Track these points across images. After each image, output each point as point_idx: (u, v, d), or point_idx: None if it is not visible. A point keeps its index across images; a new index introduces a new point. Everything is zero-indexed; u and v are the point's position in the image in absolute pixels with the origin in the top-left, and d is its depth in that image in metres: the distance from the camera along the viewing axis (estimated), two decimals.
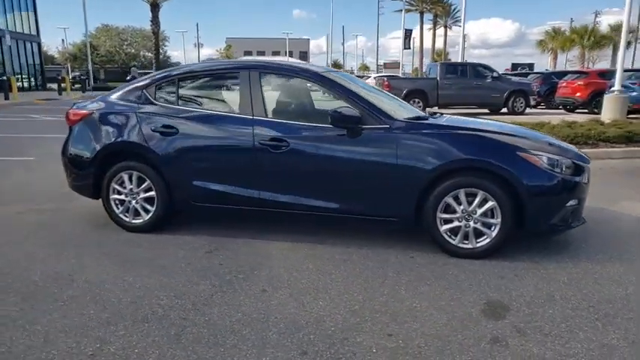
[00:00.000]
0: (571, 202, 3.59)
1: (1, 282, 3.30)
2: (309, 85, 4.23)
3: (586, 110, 18.08)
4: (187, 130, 4.10)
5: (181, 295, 3.12)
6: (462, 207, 3.59)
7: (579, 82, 18.74)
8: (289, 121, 4.01)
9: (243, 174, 4.01)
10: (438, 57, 61.53)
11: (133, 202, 4.29)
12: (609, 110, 13.45)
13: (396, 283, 3.25)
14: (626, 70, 15.72)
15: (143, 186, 4.24)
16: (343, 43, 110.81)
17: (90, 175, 4.34)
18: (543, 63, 58.17)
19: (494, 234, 3.57)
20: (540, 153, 3.58)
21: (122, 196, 4.31)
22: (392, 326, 2.69)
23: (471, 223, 3.60)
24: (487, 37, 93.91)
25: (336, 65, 74.43)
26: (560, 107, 19.63)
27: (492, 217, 3.56)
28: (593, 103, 18.06)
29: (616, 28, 46.88)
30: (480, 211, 3.57)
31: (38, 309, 2.92)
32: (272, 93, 4.21)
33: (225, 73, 4.50)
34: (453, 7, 58.20)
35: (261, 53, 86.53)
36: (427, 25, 59.41)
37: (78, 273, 3.45)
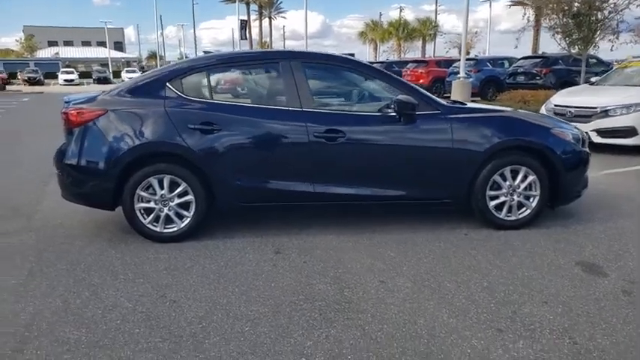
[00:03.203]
0: (587, 171, 4.31)
1: (109, 325, 2.78)
2: (352, 74, 4.24)
3: None
4: (231, 126, 3.82)
5: (312, 297, 3.01)
6: (507, 183, 4.05)
7: (421, 70, 21.14)
8: (340, 111, 4.03)
9: (296, 168, 3.91)
10: (263, 47, 62.75)
11: (165, 209, 3.86)
12: (458, 93, 15.55)
13: (487, 259, 3.56)
14: (468, 59, 18.33)
15: (177, 190, 3.84)
16: (162, 33, 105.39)
17: (109, 183, 3.77)
18: (359, 52, 63.38)
19: (533, 205, 4.11)
20: (564, 129, 4.22)
21: (150, 204, 3.84)
22: (536, 295, 2.99)
23: (515, 197, 4.09)
24: (296, 29, 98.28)
25: (155, 56, 70.53)
26: None
27: (531, 190, 4.10)
28: (434, 88, 20.59)
29: (423, 22, 53.37)
30: (522, 186, 4.07)
31: (184, 341, 2.57)
32: (316, 83, 4.14)
33: (260, 63, 4.27)
34: None
35: (69, 43, 77.25)
36: (252, 16, 60.04)
37: (170, 294, 3.06)
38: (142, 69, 53.79)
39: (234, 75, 4.29)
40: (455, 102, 4.54)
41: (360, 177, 3.97)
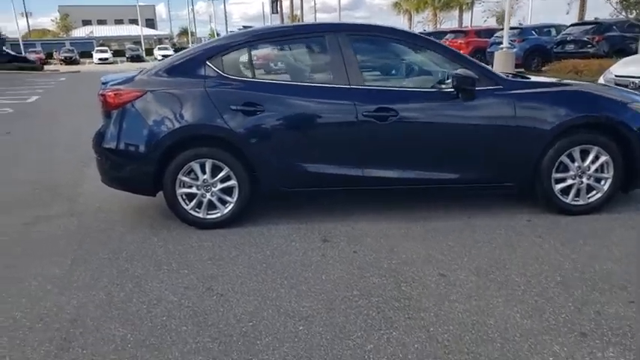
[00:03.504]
0: None
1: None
2: (403, 47, 3.92)
3: None
4: (275, 107, 3.59)
5: (367, 292, 2.78)
6: (575, 164, 3.69)
7: (461, 41, 20.35)
8: (392, 87, 3.74)
9: (343, 151, 3.66)
10: (294, 20, 61.76)
11: (207, 194, 3.68)
12: (500, 64, 14.81)
13: (556, 249, 3.24)
14: (512, 28, 17.46)
15: (220, 175, 3.65)
16: (193, 9, 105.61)
17: (149, 168, 3.60)
18: (392, 24, 61.35)
19: (605, 188, 3.73)
20: None
21: (192, 190, 3.67)
22: (620, 293, 2.64)
23: (584, 180, 3.73)
24: (326, 1, 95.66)
25: (186, 33, 70.46)
26: None
27: (603, 171, 3.72)
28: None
29: None
30: (593, 167, 3.69)
31: (234, 341, 2.40)
32: (365, 57, 3.84)
33: (304, 37, 3.98)
34: None
35: (102, 22, 77.95)
36: None
37: (217, 286, 2.90)
38: (175, 47, 53.88)
39: (277, 51, 4.04)
40: (516, 75, 4.16)
41: (412, 159, 3.69)
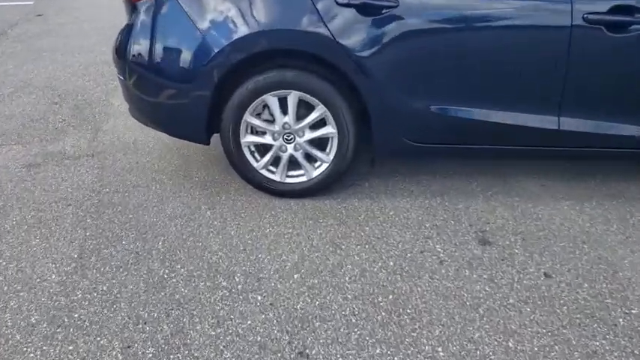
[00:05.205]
0: None
1: None
2: None
3: None
4: (417, 2, 1.99)
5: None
6: None
7: None
8: None
9: (532, 84, 2.09)
10: None
11: (289, 147, 2.28)
12: None
13: None
14: None
15: (310, 118, 2.21)
16: None
17: (200, 98, 2.19)
18: None
19: None
20: None
21: (265, 138, 2.27)
22: None
23: None
24: None
25: None
26: None
27: None
28: None
29: None
30: None
31: None
32: None
33: None
34: None
35: None
36: None
37: (315, 344, 1.61)
38: None
39: None
40: None
41: None
